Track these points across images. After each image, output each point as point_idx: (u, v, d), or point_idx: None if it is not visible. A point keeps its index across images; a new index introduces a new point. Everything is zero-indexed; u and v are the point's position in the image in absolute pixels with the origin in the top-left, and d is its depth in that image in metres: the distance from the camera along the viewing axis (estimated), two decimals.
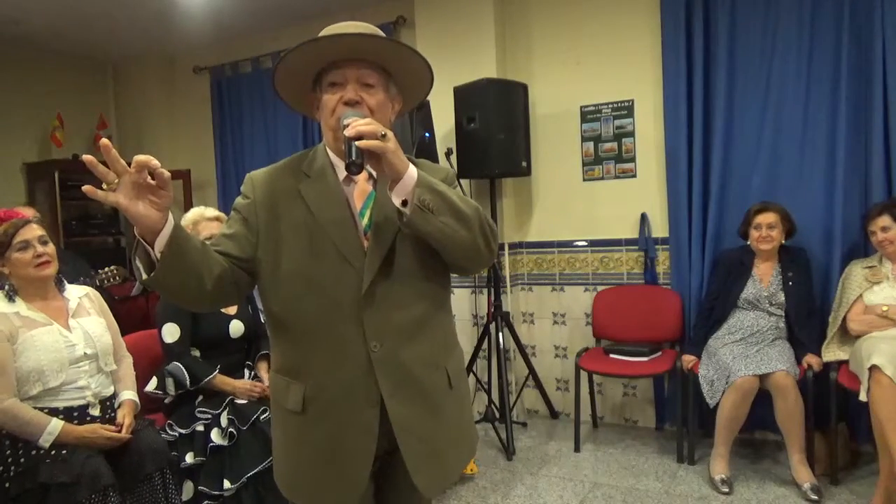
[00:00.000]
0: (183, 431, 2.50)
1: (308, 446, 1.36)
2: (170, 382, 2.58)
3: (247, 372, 2.76)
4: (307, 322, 1.33)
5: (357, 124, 1.20)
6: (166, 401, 2.65)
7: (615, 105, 3.79)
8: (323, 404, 1.33)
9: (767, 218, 3.13)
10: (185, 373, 2.57)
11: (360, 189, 1.38)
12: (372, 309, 1.30)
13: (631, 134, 3.76)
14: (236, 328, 2.75)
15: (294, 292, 1.32)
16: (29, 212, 2.72)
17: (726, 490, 2.89)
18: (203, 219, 2.80)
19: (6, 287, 2.26)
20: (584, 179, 3.89)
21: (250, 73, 4.94)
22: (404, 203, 1.22)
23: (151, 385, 2.62)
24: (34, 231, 2.26)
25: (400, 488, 1.42)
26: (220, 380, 2.62)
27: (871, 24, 3.08)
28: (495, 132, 3.51)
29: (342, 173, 1.37)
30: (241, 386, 2.63)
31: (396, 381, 1.32)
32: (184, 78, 5.28)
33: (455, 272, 1.43)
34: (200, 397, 2.59)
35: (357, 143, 1.18)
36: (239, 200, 1.39)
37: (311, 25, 5.31)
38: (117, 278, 3.46)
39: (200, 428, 2.50)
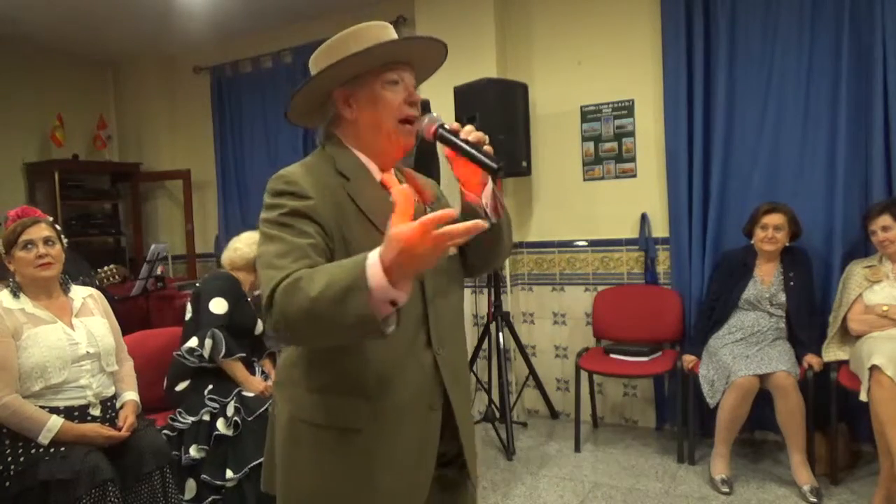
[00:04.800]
0: (192, 419, 2.56)
1: (369, 462, 1.27)
2: (209, 343, 2.66)
3: (257, 368, 2.87)
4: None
5: (471, 130, 1.24)
6: (177, 388, 2.70)
7: (615, 105, 3.79)
8: (390, 415, 1.27)
9: (775, 219, 3.12)
10: (224, 342, 2.66)
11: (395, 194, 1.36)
12: (433, 314, 1.30)
13: (631, 134, 3.76)
14: (259, 326, 2.92)
15: None
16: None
17: (726, 490, 2.89)
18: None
19: (11, 283, 2.28)
20: (585, 179, 3.89)
21: (250, 73, 4.94)
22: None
23: (193, 342, 2.69)
24: (41, 231, 2.28)
25: (448, 492, 1.40)
26: (239, 368, 2.71)
27: (872, 24, 3.08)
28: (495, 132, 3.50)
29: (377, 175, 1.33)
30: (256, 385, 2.71)
31: (454, 383, 1.34)
32: (184, 78, 5.28)
33: (472, 274, 1.45)
34: (211, 386, 2.64)
35: (486, 147, 1.23)
36: (297, 204, 1.21)
37: (312, 25, 5.29)
38: (116, 277, 3.46)
39: (206, 417, 2.56)
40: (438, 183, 1.52)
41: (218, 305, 2.75)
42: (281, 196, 1.22)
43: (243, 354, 2.75)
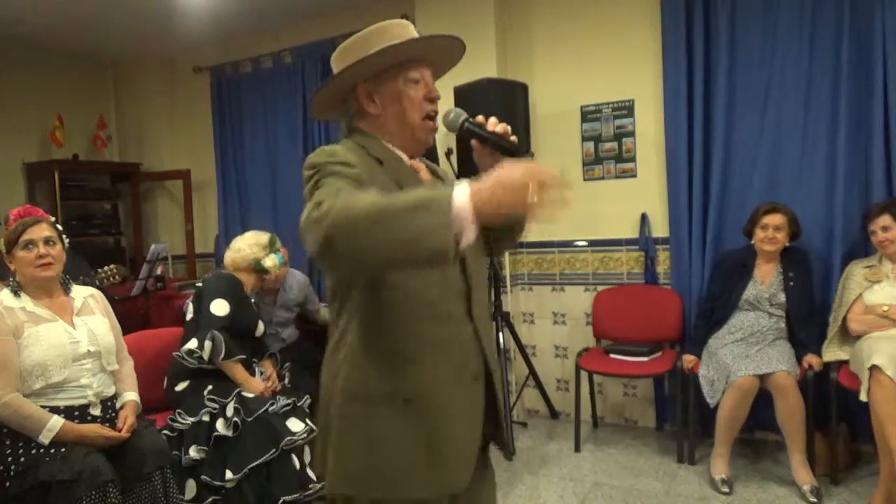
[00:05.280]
0: (192, 419, 2.55)
1: (430, 433, 1.29)
2: (208, 346, 2.66)
3: (257, 369, 2.86)
4: (425, 301, 1.29)
5: (496, 122, 1.32)
6: (177, 388, 2.69)
7: (615, 105, 3.79)
8: (443, 385, 1.30)
9: (775, 220, 3.12)
10: (223, 344, 2.66)
11: (424, 177, 1.43)
12: (472, 286, 1.35)
13: (631, 134, 3.76)
14: (260, 328, 2.93)
15: (412, 273, 1.28)
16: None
17: (726, 490, 2.89)
18: (259, 245, 3.02)
19: (11, 282, 2.28)
20: (585, 179, 3.89)
21: (250, 73, 4.94)
22: None
23: (192, 344, 2.68)
24: (42, 231, 2.28)
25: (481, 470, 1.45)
26: (239, 369, 2.72)
27: (871, 24, 3.08)
28: None
29: (407, 161, 1.40)
30: (256, 385, 2.72)
31: (490, 353, 1.40)
32: (184, 78, 5.28)
33: (488, 254, 1.51)
34: (210, 386, 2.63)
35: (512, 137, 1.31)
36: (342, 168, 1.23)
37: (312, 25, 5.26)
38: (117, 277, 3.46)
39: (206, 418, 2.56)
40: None
41: (219, 307, 2.75)
42: (323, 165, 1.24)
43: (243, 356, 2.75)
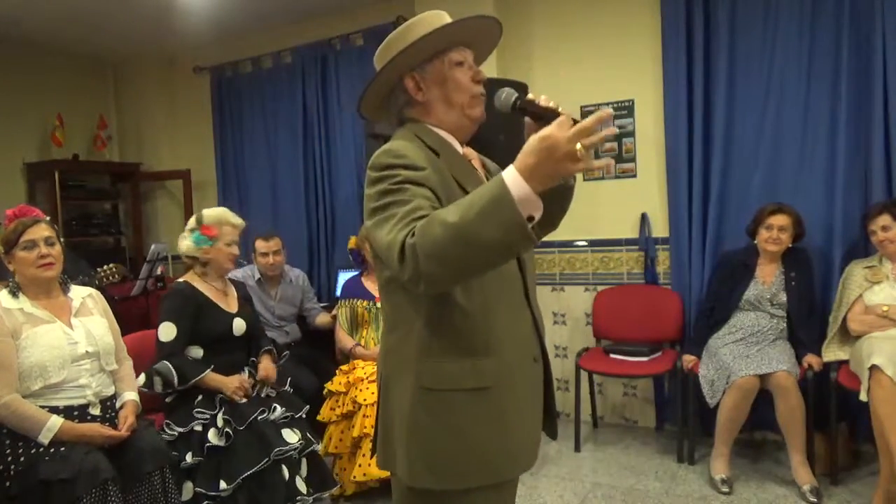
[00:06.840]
0: (181, 430, 2.50)
1: (502, 416, 1.34)
2: (157, 381, 2.55)
3: (246, 370, 2.75)
4: (492, 294, 1.34)
5: (548, 99, 1.32)
6: (167, 399, 2.65)
7: (615, 105, 3.79)
8: (509, 370, 1.34)
9: (780, 220, 3.12)
10: (173, 371, 2.54)
11: (476, 166, 1.46)
12: (527, 274, 1.41)
13: (631, 134, 3.76)
14: (239, 326, 2.73)
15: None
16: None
17: (726, 490, 2.89)
18: (227, 223, 2.79)
19: (10, 283, 2.28)
20: (585, 179, 3.88)
21: (250, 73, 4.94)
22: None
23: (139, 381, 2.59)
24: (42, 231, 2.28)
25: None
26: (210, 377, 2.59)
27: (872, 24, 3.08)
28: (495, 132, 3.48)
29: (459, 150, 1.43)
30: (230, 383, 2.60)
31: (544, 336, 1.47)
32: (184, 78, 5.28)
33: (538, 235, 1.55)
34: (200, 397, 2.57)
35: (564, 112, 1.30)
36: (410, 173, 1.25)
37: (311, 25, 5.23)
38: (116, 277, 3.46)
39: (198, 428, 2.50)
40: None
41: (164, 332, 2.61)
42: (391, 168, 1.26)
43: (206, 371, 2.59)
